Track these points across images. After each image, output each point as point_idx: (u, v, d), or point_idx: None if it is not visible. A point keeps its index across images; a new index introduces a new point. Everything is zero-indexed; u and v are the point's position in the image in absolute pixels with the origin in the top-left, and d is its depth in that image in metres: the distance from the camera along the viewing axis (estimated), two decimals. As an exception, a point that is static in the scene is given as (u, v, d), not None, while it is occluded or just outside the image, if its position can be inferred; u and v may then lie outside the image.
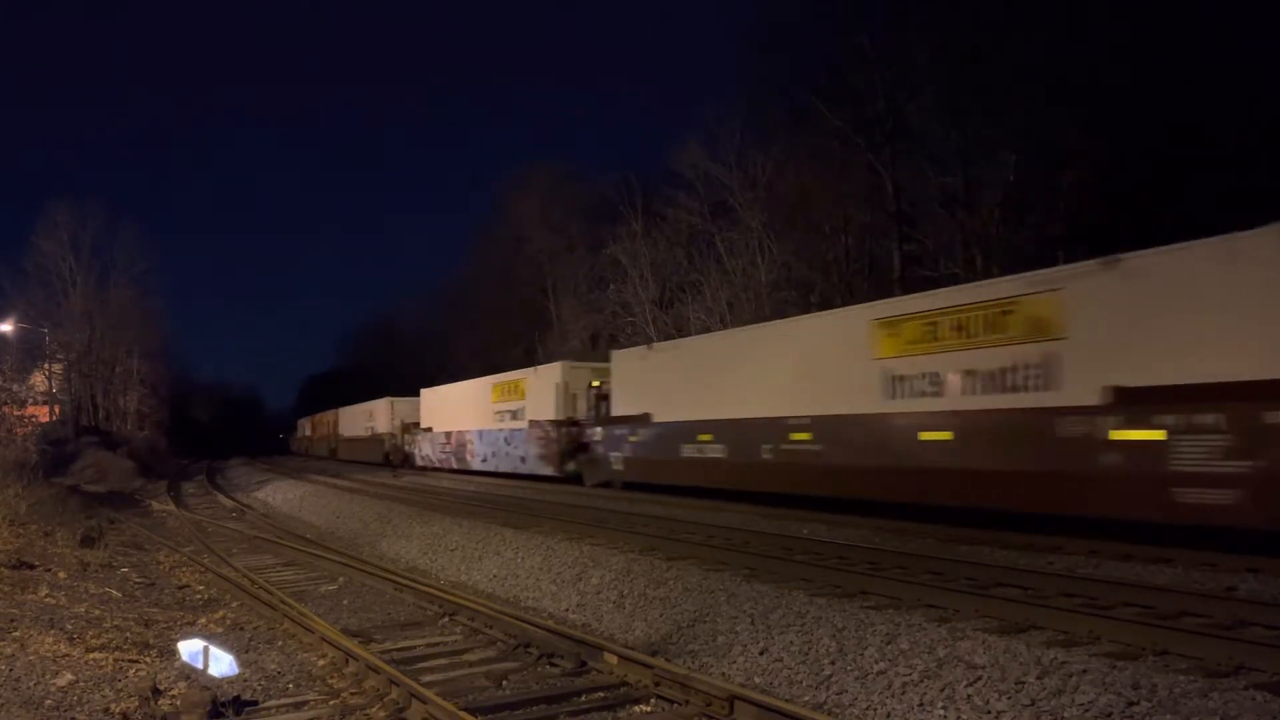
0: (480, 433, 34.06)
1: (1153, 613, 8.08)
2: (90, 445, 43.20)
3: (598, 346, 43.09)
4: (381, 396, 51.25)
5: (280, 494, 30.44)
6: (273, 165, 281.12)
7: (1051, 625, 7.80)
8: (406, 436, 44.44)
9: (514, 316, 52.81)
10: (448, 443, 37.85)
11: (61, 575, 12.65)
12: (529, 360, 41.61)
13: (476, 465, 34.25)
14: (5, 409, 25.59)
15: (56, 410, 53.19)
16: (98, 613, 10.44)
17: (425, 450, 40.89)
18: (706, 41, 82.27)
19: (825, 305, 28.92)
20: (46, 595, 11.11)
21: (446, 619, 10.18)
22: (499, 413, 32.52)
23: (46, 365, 53.24)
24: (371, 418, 51.91)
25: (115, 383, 61.13)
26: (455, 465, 36.67)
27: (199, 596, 12.34)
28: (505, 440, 31.73)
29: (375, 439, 50.05)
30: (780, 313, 28.66)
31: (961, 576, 9.96)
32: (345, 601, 11.74)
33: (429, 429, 40.71)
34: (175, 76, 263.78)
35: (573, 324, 45.55)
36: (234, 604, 11.53)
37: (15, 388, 28.06)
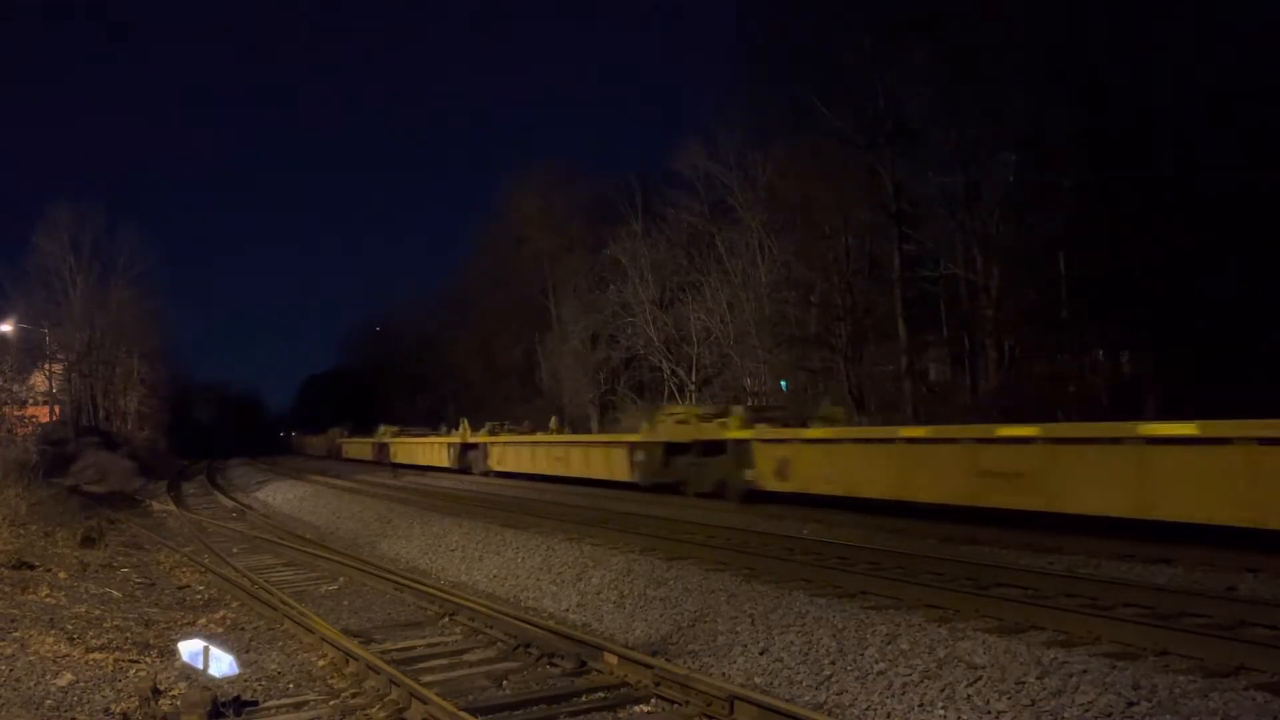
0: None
1: (1153, 613, 8.06)
2: (90, 445, 43.04)
3: (598, 346, 43.20)
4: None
5: (280, 494, 30.46)
6: (273, 165, 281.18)
7: (1051, 625, 7.79)
8: None
9: (514, 316, 52.79)
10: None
11: (62, 575, 12.65)
12: (529, 360, 41.70)
13: None
14: (5, 409, 25.55)
15: (56, 410, 53.10)
16: (98, 613, 10.44)
17: None
18: (707, 41, 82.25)
19: (825, 305, 28.91)
20: (47, 595, 11.12)
21: (446, 619, 10.18)
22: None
23: (46, 365, 53.14)
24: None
25: (115, 383, 61.03)
26: None
27: (199, 597, 12.35)
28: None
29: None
30: (780, 313, 28.63)
31: (961, 576, 9.95)
32: (345, 602, 11.75)
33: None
34: (176, 76, 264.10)
35: (573, 324, 45.50)
36: (234, 604, 11.54)
37: (15, 388, 27.98)
